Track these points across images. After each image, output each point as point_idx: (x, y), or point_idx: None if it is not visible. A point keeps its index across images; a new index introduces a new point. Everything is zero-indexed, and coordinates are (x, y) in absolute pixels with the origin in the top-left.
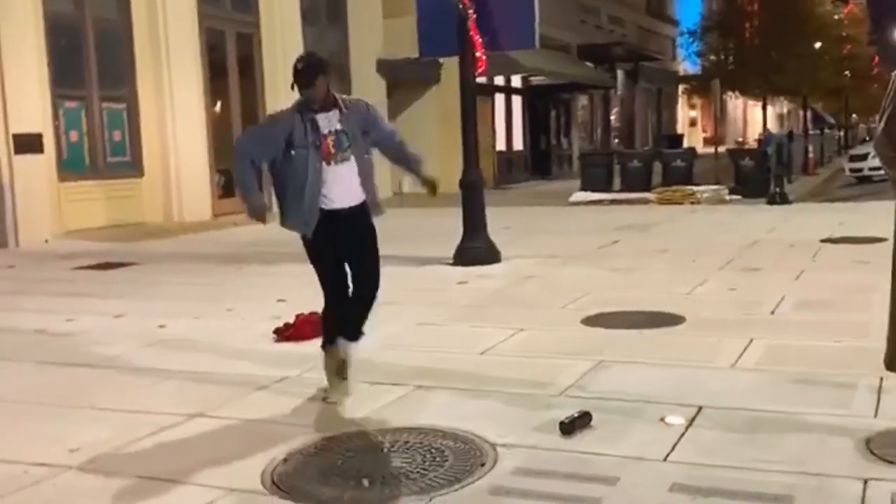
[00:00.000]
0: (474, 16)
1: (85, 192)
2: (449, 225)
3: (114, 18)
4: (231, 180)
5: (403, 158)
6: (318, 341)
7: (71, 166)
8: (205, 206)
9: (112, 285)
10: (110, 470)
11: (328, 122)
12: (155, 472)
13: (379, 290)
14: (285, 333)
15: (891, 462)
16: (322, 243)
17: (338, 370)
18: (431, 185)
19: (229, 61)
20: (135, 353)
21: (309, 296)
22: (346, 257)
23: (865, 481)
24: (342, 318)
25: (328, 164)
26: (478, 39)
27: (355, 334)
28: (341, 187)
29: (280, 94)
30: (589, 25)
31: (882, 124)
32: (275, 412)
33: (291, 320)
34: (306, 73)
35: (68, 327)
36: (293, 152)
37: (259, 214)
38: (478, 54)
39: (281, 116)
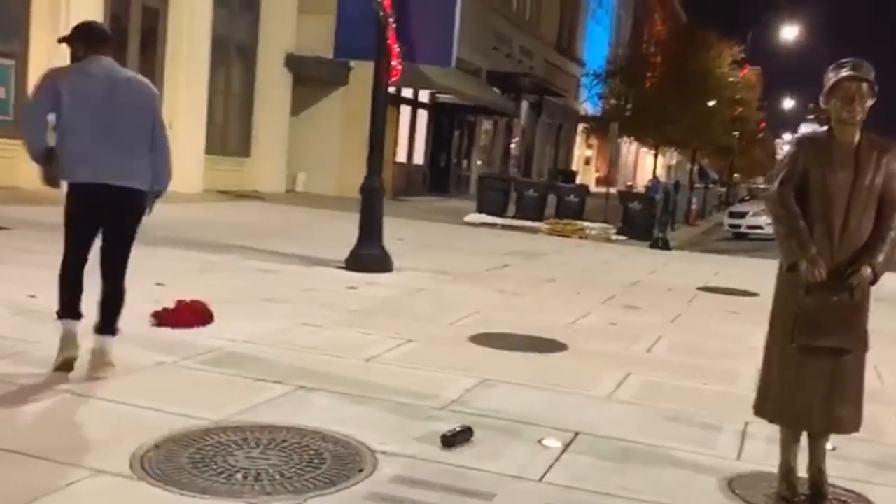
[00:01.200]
0: (395, 25)
1: None
2: (341, 228)
3: None
4: None
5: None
6: (198, 330)
7: None
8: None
9: None
10: None
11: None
12: (18, 446)
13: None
14: (165, 318)
15: (749, 503)
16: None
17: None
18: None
19: (132, 33)
20: (2, 321)
21: (189, 282)
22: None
23: None
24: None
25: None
26: (395, 48)
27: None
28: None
29: (181, 71)
30: (500, 53)
31: (776, 184)
32: (149, 397)
33: (171, 305)
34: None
35: None
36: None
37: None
38: (394, 63)
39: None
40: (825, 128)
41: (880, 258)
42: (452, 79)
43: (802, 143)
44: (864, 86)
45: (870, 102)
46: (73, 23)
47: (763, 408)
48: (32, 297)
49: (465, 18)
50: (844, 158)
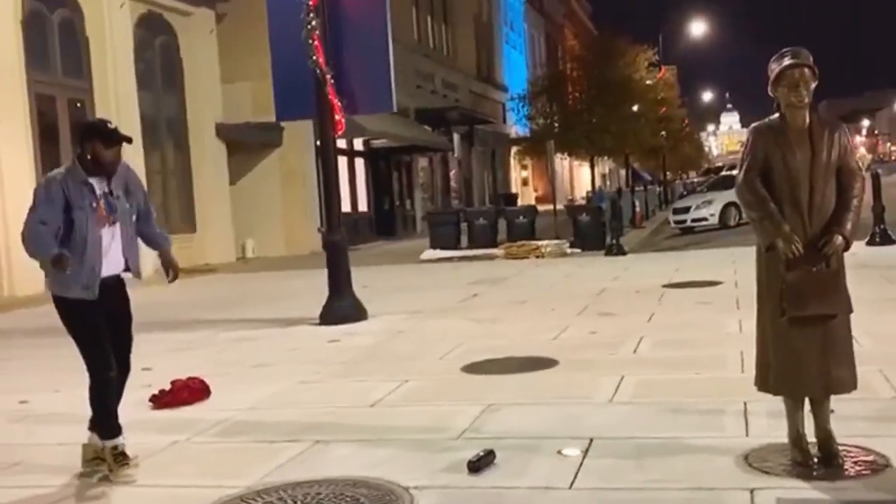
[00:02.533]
0: (332, 80)
1: None
2: (302, 286)
3: None
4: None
5: (150, 231)
6: (199, 405)
7: None
8: (37, 280)
9: None
10: None
11: (100, 185)
12: None
13: None
14: (163, 400)
15: (769, 473)
16: (93, 306)
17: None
18: (174, 270)
19: (61, 127)
20: (3, 429)
21: (174, 362)
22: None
23: (752, 491)
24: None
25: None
26: (336, 103)
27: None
28: (111, 252)
29: None
30: (425, 90)
31: (742, 173)
32: (177, 476)
33: (166, 387)
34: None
35: None
36: (73, 215)
37: (61, 260)
38: (337, 117)
39: (55, 178)
40: (776, 115)
41: (848, 226)
42: (384, 123)
43: (760, 131)
44: (807, 71)
45: (813, 85)
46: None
47: (765, 383)
48: (24, 402)
49: None
50: (800, 140)
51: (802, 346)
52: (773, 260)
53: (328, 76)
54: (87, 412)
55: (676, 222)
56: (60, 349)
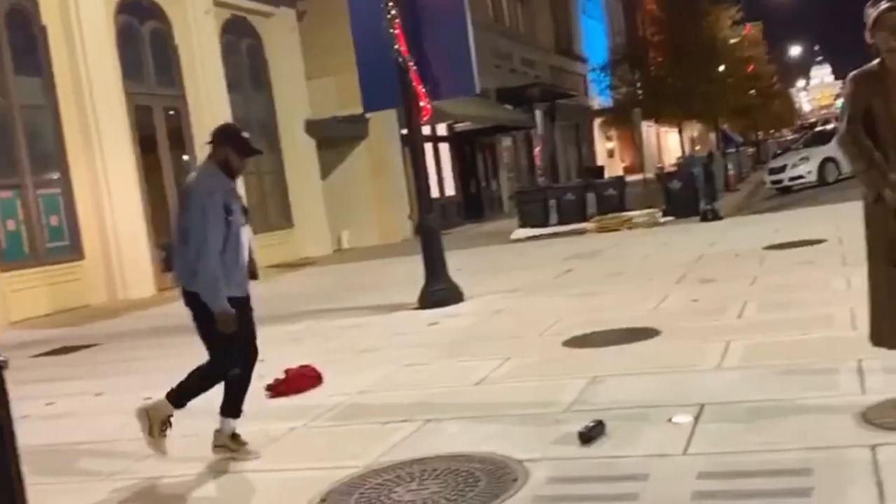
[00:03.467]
0: (414, 67)
1: (26, 280)
2: (399, 273)
3: (41, 104)
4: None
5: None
6: (313, 392)
7: (10, 256)
8: (148, 282)
9: (77, 367)
10: None
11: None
12: None
13: None
14: (278, 389)
15: (891, 428)
16: (244, 309)
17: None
18: (253, 272)
19: (159, 135)
20: (129, 425)
21: (285, 353)
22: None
23: (873, 447)
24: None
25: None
26: (420, 90)
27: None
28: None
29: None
30: (504, 70)
31: (843, 124)
32: (297, 460)
33: (280, 376)
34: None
35: (52, 410)
36: (230, 218)
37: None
38: (422, 104)
39: (217, 186)
40: (876, 61)
41: None
42: (466, 106)
43: (859, 80)
44: None
45: None
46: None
47: (880, 336)
48: (148, 398)
49: None
50: None
51: None
52: (882, 211)
53: (411, 64)
54: (208, 406)
55: (773, 182)
56: (176, 349)
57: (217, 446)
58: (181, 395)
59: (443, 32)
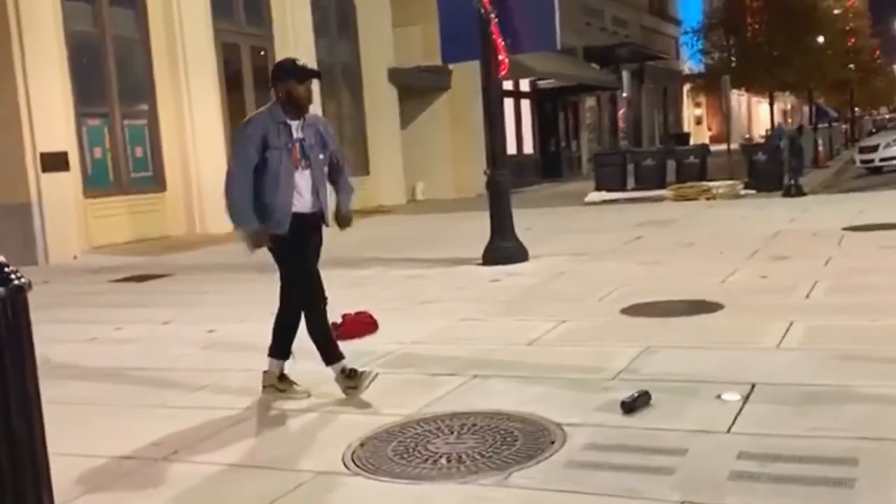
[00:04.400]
0: (496, 20)
1: (110, 207)
2: (468, 228)
3: (133, 36)
4: None
5: (340, 181)
6: (368, 338)
7: (96, 183)
8: (226, 217)
9: (151, 295)
10: (195, 459)
11: (297, 129)
12: (239, 459)
13: None
14: (334, 333)
15: None
16: (299, 238)
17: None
18: (346, 221)
19: (245, 74)
20: (192, 355)
21: (348, 297)
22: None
23: None
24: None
25: (296, 168)
26: (500, 43)
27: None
28: (305, 192)
29: None
30: (593, 28)
31: None
32: (342, 404)
33: (337, 320)
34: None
35: (119, 335)
36: (268, 154)
37: (262, 240)
38: (501, 57)
39: (254, 119)
40: None
41: None
42: (551, 62)
43: None
44: None
45: None
46: (192, 78)
47: None
48: (211, 331)
49: None
50: None
51: None
52: None
53: (492, 16)
54: (267, 341)
55: (863, 162)
56: (245, 284)
57: (265, 386)
58: (276, 345)
59: None
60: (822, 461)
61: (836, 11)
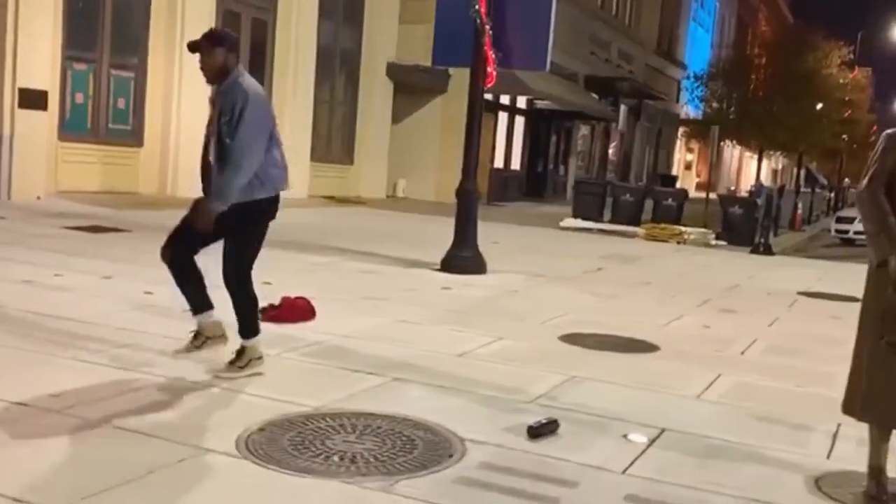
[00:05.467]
0: (490, 31)
1: (83, 154)
2: (439, 232)
3: None
4: None
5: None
6: (302, 325)
7: (72, 127)
8: (199, 183)
9: (102, 247)
10: (88, 417)
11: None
12: (133, 424)
13: None
14: (269, 314)
15: (836, 500)
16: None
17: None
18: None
19: (242, 45)
20: (121, 313)
21: (295, 281)
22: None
23: None
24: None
25: None
26: (491, 55)
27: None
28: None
29: (288, 82)
30: (598, 58)
31: (865, 181)
32: (255, 386)
33: (276, 302)
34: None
35: (56, 282)
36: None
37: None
38: (489, 69)
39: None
40: None
41: None
42: (550, 84)
43: (893, 138)
44: None
45: None
46: (188, 39)
47: (852, 406)
48: (149, 293)
49: (562, 24)
50: None
51: None
52: (882, 278)
53: (487, 27)
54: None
55: (838, 231)
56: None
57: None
58: (242, 325)
59: (527, 3)
60: None
61: (840, 81)
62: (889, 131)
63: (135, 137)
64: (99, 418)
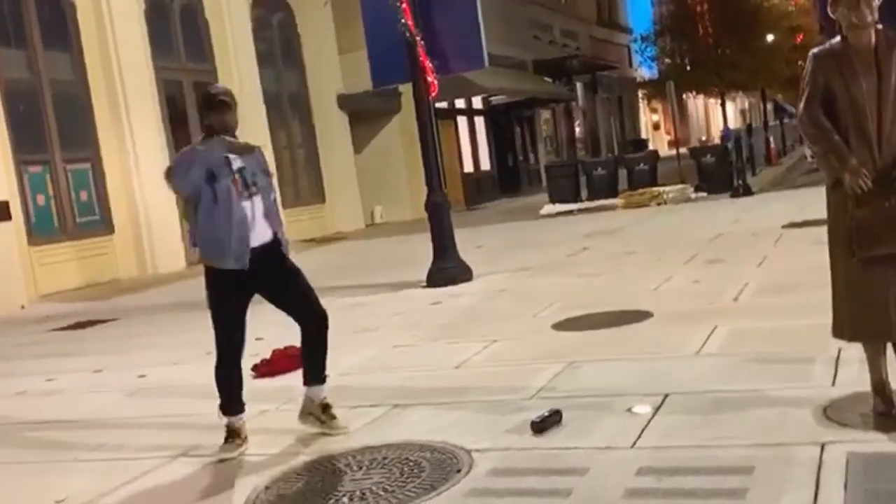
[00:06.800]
0: (422, 42)
1: (57, 254)
2: (422, 249)
3: (70, 79)
4: None
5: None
6: (295, 374)
7: (40, 230)
8: (177, 257)
9: (89, 343)
10: None
11: (234, 159)
12: None
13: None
14: (262, 369)
15: (846, 425)
16: (236, 284)
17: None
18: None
19: (189, 111)
20: (116, 404)
21: (287, 331)
22: (275, 296)
23: (822, 445)
24: (308, 363)
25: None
26: (428, 64)
27: (324, 376)
28: (254, 224)
29: (242, 138)
30: (542, 41)
31: (802, 104)
32: (256, 445)
33: (268, 356)
34: (232, 103)
35: (48, 386)
36: (215, 185)
37: None
38: (430, 79)
39: (196, 148)
40: (838, 38)
41: None
42: (499, 78)
43: (819, 58)
44: None
45: (877, 2)
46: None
47: (840, 329)
48: (142, 376)
49: (497, 16)
50: (865, 63)
51: (878, 288)
52: (841, 197)
53: (418, 38)
54: (196, 382)
55: (812, 156)
56: (190, 323)
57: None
58: (223, 402)
59: (451, 5)
60: (719, 472)
61: (786, 10)
62: (814, 50)
63: (105, 226)
64: None
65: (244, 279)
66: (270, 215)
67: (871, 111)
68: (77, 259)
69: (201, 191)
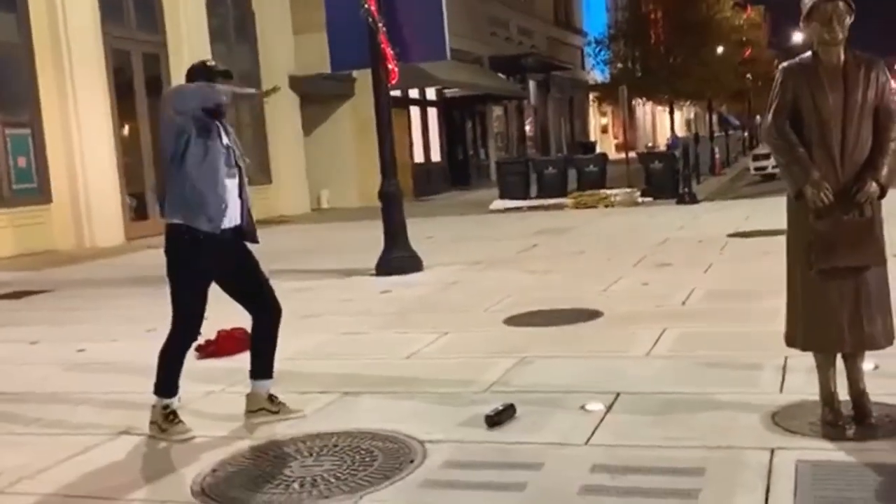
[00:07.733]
0: (384, 29)
1: None
2: (370, 237)
3: (14, 42)
4: (143, 205)
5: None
6: (242, 355)
7: None
8: (117, 231)
9: (25, 313)
10: (34, 492)
11: (226, 135)
12: (81, 491)
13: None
14: (207, 350)
15: (795, 432)
16: (207, 251)
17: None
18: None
19: (136, 81)
20: (54, 377)
21: (232, 312)
22: (232, 283)
23: (772, 451)
24: (260, 358)
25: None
26: (389, 52)
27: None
28: (233, 203)
29: None
30: (499, 38)
31: (769, 116)
32: (202, 426)
33: (213, 337)
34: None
35: None
36: (209, 142)
37: None
38: (390, 66)
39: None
40: (808, 53)
41: (884, 171)
42: (455, 72)
43: (789, 71)
44: (841, 5)
45: (849, 21)
46: (79, 85)
47: (793, 337)
48: (81, 350)
49: (459, 9)
50: (833, 79)
51: (833, 300)
52: (802, 209)
53: (381, 25)
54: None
55: (757, 168)
56: (128, 299)
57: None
58: (165, 382)
59: None
60: (671, 472)
61: (735, 23)
62: (784, 64)
63: (42, 195)
64: (43, 491)
65: (212, 251)
66: (244, 200)
67: (836, 127)
68: (11, 227)
69: (189, 144)
